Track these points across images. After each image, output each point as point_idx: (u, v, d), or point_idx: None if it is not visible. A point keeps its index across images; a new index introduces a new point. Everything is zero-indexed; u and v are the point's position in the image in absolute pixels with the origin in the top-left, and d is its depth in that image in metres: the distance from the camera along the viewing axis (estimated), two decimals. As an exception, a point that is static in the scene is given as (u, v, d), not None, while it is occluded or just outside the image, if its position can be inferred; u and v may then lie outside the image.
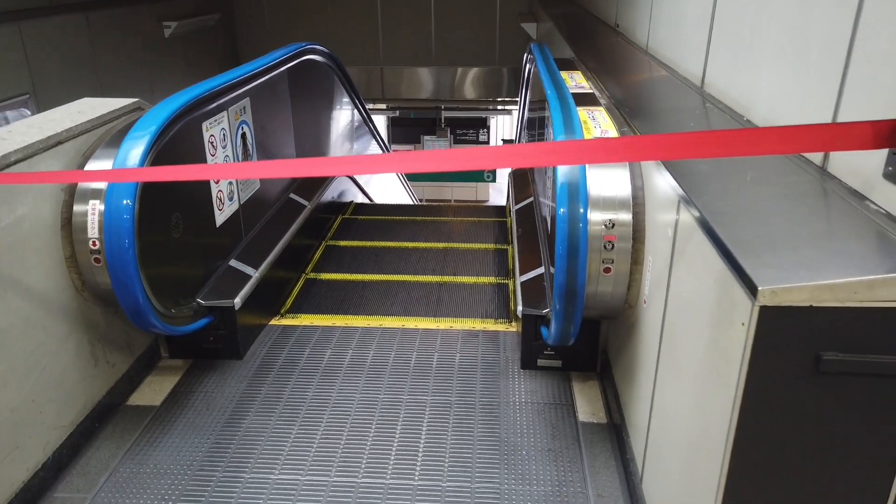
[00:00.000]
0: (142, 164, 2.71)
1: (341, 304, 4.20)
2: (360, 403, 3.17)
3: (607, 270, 2.64)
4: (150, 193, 2.82)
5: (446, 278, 4.53)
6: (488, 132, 16.01)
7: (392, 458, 2.82)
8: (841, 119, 1.84)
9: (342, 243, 5.21)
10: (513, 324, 3.89)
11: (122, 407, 3.18)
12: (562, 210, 2.54)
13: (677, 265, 2.09)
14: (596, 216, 2.59)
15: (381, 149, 8.32)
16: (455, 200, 16.36)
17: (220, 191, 3.57)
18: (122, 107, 3.19)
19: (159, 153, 2.87)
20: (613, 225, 2.59)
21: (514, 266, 4.18)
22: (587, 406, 3.14)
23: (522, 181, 5.33)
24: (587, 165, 2.63)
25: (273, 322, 3.93)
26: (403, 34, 10.92)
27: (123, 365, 3.23)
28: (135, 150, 2.73)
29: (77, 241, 2.78)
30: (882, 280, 1.36)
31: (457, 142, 15.67)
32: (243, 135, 3.85)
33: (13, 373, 2.50)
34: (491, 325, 3.89)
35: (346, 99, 6.44)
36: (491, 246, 5.13)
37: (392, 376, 3.37)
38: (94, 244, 2.75)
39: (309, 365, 3.48)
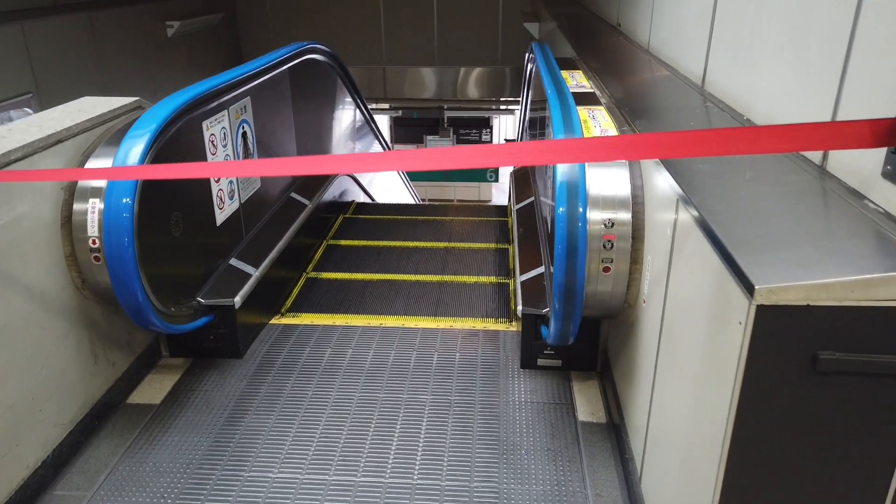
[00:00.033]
0: (141, 162, 2.71)
1: (342, 303, 4.20)
2: (360, 402, 3.17)
3: (606, 270, 2.63)
4: (149, 192, 2.83)
5: (447, 278, 4.53)
6: (491, 132, 15.99)
7: (391, 456, 2.82)
8: (840, 118, 1.83)
9: (343, 242, 5.21)
10: (513, 323, 3.88)
11: (122, 405, 3.19)
12: (561, 209, 2.54)
13: (676, 264, 2.09)
14: (595, 215, 2.58)
15: (383, 149, 8.32)
16: (458, 200, 16.34)
17: (220, 189, 3.57)
18: (122, 106, 3.19)
19: (159, 152, 2.88)
20: (613, 224, 2.58)
21: (514, 265, 4.18)
22: (587, 406, 3.14)
23: (523, 181, 5.33)
24: (586, 165, 2.63)
25: (273, 321, 3.93)
26: (406, 34, 10.93)
27: (124, 363, 3.24)
28: (135, 149, 2.73)
29: (77, 240, 2.78)
30: (879, 279, 1.35)
31: (460, 142, 15.65)
32: (244, 134, 3.86)
33: (13, 370, 2.51)
34: (491, 325, 3.89)
35: (348, 98, 6.44)
36: (492, 245, 5.13)
37: (392, 375, 3.37)
38: (93, 242, 2.76)
39: (309, 364, 3.48)
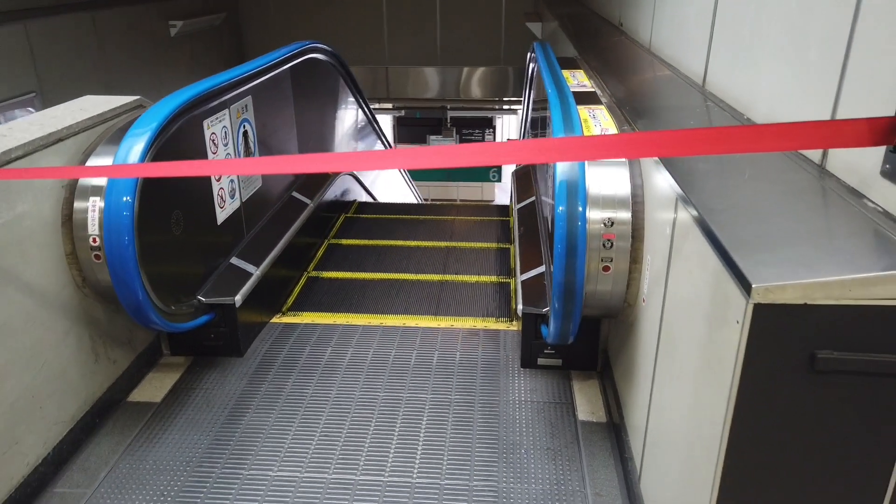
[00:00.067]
0: (142, 160, 2.72)
1: (343, 302, 4.20)
2: (360, 401, 3.17)
3: (606, 269, 2.63)
4: (150, 191, 2.83)
5: (448, 277, 4.53)
6: (494, 132, 15.99)
7: (391, 455, 2.82)
8: (840, 118, 1.83)
9: (345, 242, 5.22)
10: (514, 322, 3.88)
11: (123, 403, 3.19)
12: (560, 208, 2.54)
13: (675, 263, 2.09)
14: (595, 214, 2.58)
15: (385, 148, 8.32)
16: (461, 200, 16.34)
17: (221, 188, 3.58)
18: (123, 104, 3.20)
19: (160, 150, 2.88)
20: (612, 223, 2.58)
21: (515, 265, 4.18)
22: (587, 405, 3.14)
23: (525, 180, 5.33)
24: (586, 163, 2.62)
25: (274, 320, 3.93)
26: (408, 33, 10.93)
27: (125, 361, 3.25)
28: (135, 147, 2.74)
29: (77, 238, 2.79)
30: (877, 278, 1.35)
31: (463, 141, 15.65)
32: (245, 133, 3.86)
33: (13, 368, 2.52)
34: (492, 324, 3.89)
35: (350, 98, 6.44)
36: (493, 245, 5.13)
37: (392, 374, 3.37)
38: (94, 241, 2.77)
39: (309, 363, 3.48)
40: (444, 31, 10.88)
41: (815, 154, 1.96)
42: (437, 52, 11.03)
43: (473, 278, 4.51)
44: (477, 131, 15.76)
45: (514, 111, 14.19)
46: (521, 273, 3.71)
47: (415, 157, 2.67)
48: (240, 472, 2.74)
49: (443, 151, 2.41)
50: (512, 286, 4.35)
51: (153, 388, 3.30)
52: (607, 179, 2.62)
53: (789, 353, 1.43)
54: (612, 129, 2.87)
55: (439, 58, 11.07)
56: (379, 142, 7.92)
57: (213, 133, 3.47)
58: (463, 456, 2.82)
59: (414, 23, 10.85)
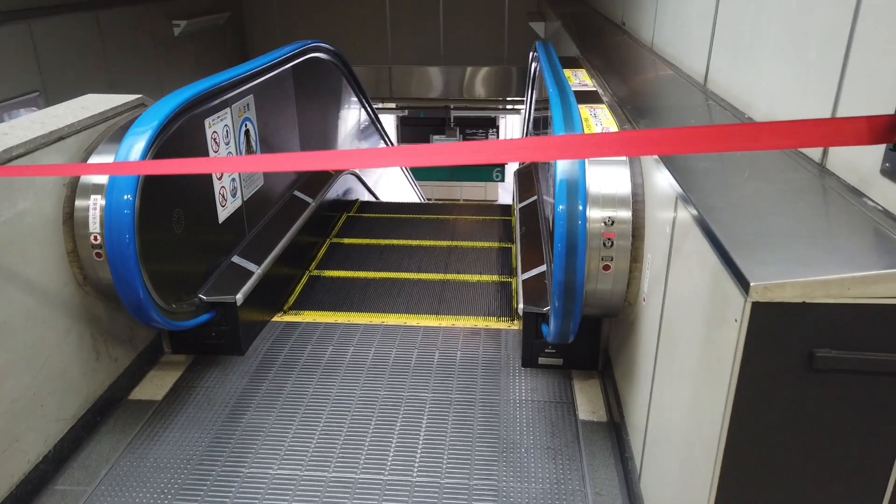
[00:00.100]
0: (143, 159, 2.72)
1: (344, 301, 4.20)
2: (360, 400, 3.17)
3: (607, 268, 2.62)
4: (151, 189, 2.84)
5: (449, 276, 4.53)
6: (497, 132, 15.98)
7: (391, 454, 2.82)
8: (840, 116, 1.82)
9: (346, 241, 5.22)
10: (515, 322, 3.88)
11: (124, 401, 3.20)
12: (561, 207, 2.53)
13: (675, 262, 2.08)
14: (595, 213, 2.58)
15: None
16: (464, 200, 16.34)
17: (222, 187, 3.58)
18: (124, 103, 3.21)
19: (161, 149, 2.89)
20: (613, 222, 2.58)
21: (517, 264, 4.18)
22: (588, 404, 3.13)
23: (527, 180, 5.32)
24: (587, 162, 2.62)
25: (276, 318, 3.94)
26: (412, 33, 10.94)
27: (126, 359, 3.25)
28: (136, 146, 2.74)
29: (79, 236, 2.80)
30: (876, 276, 1.34)
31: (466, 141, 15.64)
32: (247, 132, 3.86)
33: (14, 365, 2.52)
34: (493, 323, 3.88)
35: (353, 97, 6.44)
36: (495, 244, 5.13)
37: (393, 373, 3.37)
38: (95, 239, 2.77)
39: (310, 361, 3.49)
40: (447, 30, 10.88)
41: (815, 153, 1.95)
42: (441, 51, 11.03)
43: (475, 278, 4.50)
44: (480, 131, 15.75)
45: (518, 111, 14.18)
46: (523, 272, 3.70)
47: (414, 154, 2.66)
48: (240, 471, 2.74)
49: (443, 149, 2.41)
50: (514, 285, 4.34)
51: (154, 386, 3.30)
52: (608, 178, 2.62)
53: (788, 351, 1.42)
54: (613, 127, 2.86)
55: (442, 57, 11.07)
56: (382, 142, 7.92)
57: (215, 132, 3.47)
58: (463, 455, 2.82)
59: (417, 22, 10.86)
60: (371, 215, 5.98)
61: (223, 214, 3.61)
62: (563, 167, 2.58)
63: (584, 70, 4.13)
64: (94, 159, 2.88)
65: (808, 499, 1.55)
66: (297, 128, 4.78)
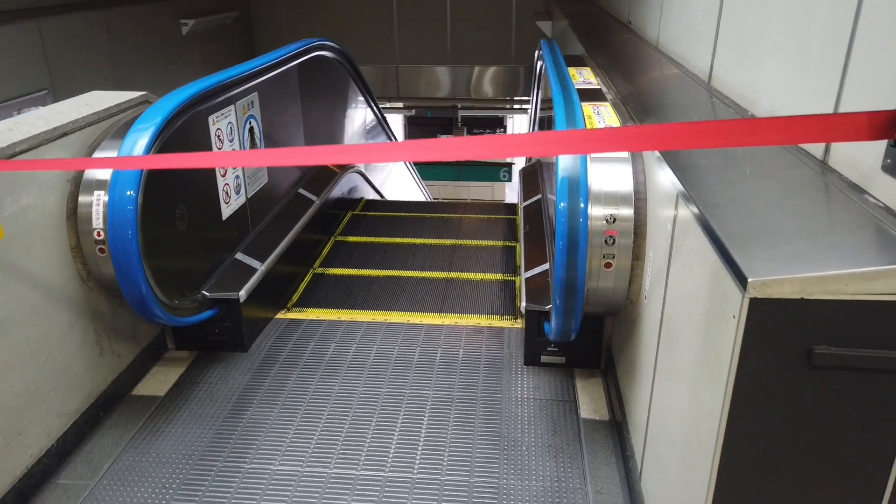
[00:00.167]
0: (146, 154, 2.73)
1: (347, 298, 4.21)
2: (363, 397, 3.18)
3: (608, 266, 2.62)
4: (154, 186, 2.85)
5: (453, 274, 4.53)
6: (505, 131, 15.98)
7: (392, 450, 2.83)
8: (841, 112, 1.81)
9: (351, 239, 5.23)
10: (518, 320, 3.87)
11: (127, 396, 3.21)
12: (562, 204, 2.53)
13: (675, 260, 2.07)
14: (597, 211, 2.57)
15: (394, 146, 8.31)
16: (471, 199, 16.34)
17: (226, 184, 3.59)
18: (129, 100, 3.22)
19: (164, 145, 2.90)
20: (615, 220, 2.57)
21: (520, 262, 4.17)
22: (590, 403, 3.12)
23: (532, 178, 5.31)
24: (589, 160, 2.61)
25: (279, 315, 3.95)
26: (419, 32, 10.94)
27: (129, 355, 3.27)
28: (140, 142, 2.75)
29: (82, 232, 2.81)
30: (875, 273, 1.33)
31: (472, 141, 15.60)
32: (251, 129, 3.87)
33: (17, 360, 2.54)
34: (496, 322, 3.88)
35: (358, 96, 6.45)
36: (499, 243, 5.12)
37: (395, 370, 3.37)
38: (98, 234, 2.78)
39: (313, 358, 3.49)
40: (454, 29, 10.88)
41: (817, 149, 1.94)
42: (448, 50, 11.02)
43: (479, 276, 4.50)
44: (488, 130, 15.76)
45: (525, 110, 14.15)
46: (526, 270, 3.70)
47: (418, 149, 2.66)
48: (241, 466, 2.75)
49: (446, 144, 2.41)
50: (517, 284, 4.34)
51: (157, 382, 3.32)
52: (610, 175, 2.61)
53: (786, 348, 1.41)
54: (616, 125, 2.85)
55: (450, 57, 11.07)
56: (387, 140, 7.92)
57: (219, 129, 3.48)
58: (464, 452, 2.82)
59: (424, 22, 10.86)
60: (376, 213, 5.98)
61: (227, 211, 3.62)
62: (564, 164, 2.57)
63: (588, 68, 4.12)
64: (98, 155, 2.90)
65: (806, 496, 1.54)
66: (302, 126, 4.79)
